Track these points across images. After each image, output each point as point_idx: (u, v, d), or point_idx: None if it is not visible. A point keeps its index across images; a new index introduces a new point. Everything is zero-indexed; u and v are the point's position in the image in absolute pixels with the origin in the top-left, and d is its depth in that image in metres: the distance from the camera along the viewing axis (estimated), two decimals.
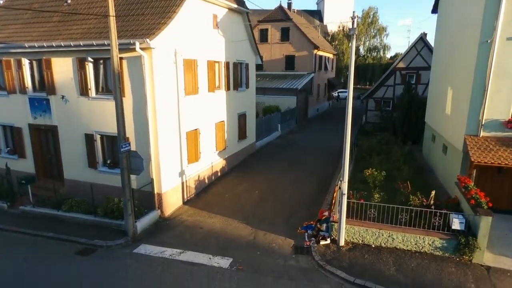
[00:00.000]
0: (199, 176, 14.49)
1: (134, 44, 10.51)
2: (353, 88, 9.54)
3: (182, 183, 13.35)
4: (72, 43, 11.51)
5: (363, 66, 57.12)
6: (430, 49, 24.87)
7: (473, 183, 10.45)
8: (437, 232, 9.48)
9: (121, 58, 10.81)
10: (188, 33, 12.92)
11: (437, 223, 9.44)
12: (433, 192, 10.23)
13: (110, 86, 12.14)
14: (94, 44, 11.15)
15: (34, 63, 13.30)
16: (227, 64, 16.13)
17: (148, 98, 11.31)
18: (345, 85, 60.94)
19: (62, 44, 11.70)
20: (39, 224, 11.66)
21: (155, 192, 12.07)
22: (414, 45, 26.21)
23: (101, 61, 12.17)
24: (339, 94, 50.52)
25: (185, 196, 13.60)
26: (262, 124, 22.13)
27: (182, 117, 12.91)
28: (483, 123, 11.10)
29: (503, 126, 10.99)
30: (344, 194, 9.69)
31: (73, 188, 13.41)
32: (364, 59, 58.47)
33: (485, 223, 8.92)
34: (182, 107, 12.81)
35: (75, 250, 10.15)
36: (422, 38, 25.71)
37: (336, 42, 57.50)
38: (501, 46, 10.42)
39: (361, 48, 59.32)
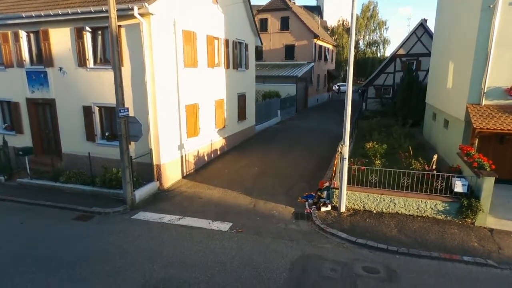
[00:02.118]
0: (198, 152, 14.36)
1: (132, 9, 10.35)
2: (352, 82, 9.45)
3: (182, 157, 13.22)
4: (69, 11, 11.34)
5: (363, 60, 56.97)
6: (430, 35, 24.73)
7: (475, 151, 10.36)
8: (439, 195, 9.36)
9: (119, 26, 10.64)
10: (187, 4, 12.79)
11: (439, 186, 9.32)
12: (436, 156, 10.13)
13: (108, 56, 12.01)
14: (92, 10, 11.00)
15: (32, 35, 13.15)
16: (227, 41, 16.01)
17: (147, 67, 11.18)
18: (344, 79, 61.06)
19: (60, 13, 11.55)
20: (36, 194, 11.52)
21: (154, 163, 11.93)
22: (414, 32, 26.07)
23: (99, 31, 12.04)
24: (340, 87, 50.63)
25: (185, 171, 13.47)
26: (261, 108, 22.02)
27: (181, 89, 12.78)
28: (485, 91, 10.99)
29: (505, 94, 10.88)
30: (345, 158, 9.57)
31: (71, 162, 13.27)
32: (363, 53, 58.36)
33: (488, 184, 8.81)
34: (181, 78, 12.68)
35: (73, 216, 10.01)
36: (422, 24, 25.58)
37: (336, 36, 57.44)
38: (504, 11, 10.29)
39: (360, 42, 59.22)
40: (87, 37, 12.00)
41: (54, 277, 6.92)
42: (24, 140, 14.13)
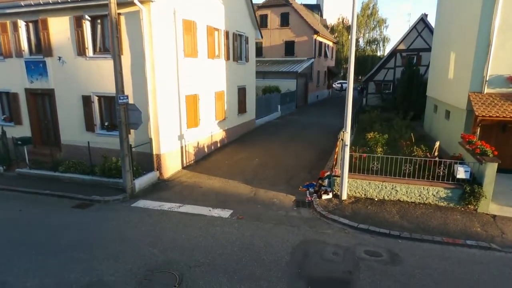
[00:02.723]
0: (198, 143, 14.27)
1: None
2: (353, 80, 9.39)
3: (182, 148, 13.14)
4: None
5: (363, 58, 56.89)
6: (431, 30, 24.68)
7: (477, 140, 10.29)
8: (441, 182, 9.28)
9: (119, 14, 10.55)
10: None
11: (441, 172, 9.25)
12: (438, 143, 10.06)
13: (108, 45, 11.92)
14: None
15: (30, 25, 13.05)
16: (227, 33, 15.93)
17: (147, 55, 11.09)
18: (344, 77, 60.99)
19: (59, 1, 11.45)
20: (35, 184, 11.43)
21: (154, 153, 11.85)
22: (414, 26, 26.01)
23: (99, 20, 11.95)
24: (342, 84, 51.02)
25: (185, 161, 13.38)
26: (262, 103, 21.93)
27: (182, 79, 12.69)
28: (487, 79, 10.92)
29: (507, 82, 10.81)
30: (347, 145, 9.49)
31: (70, 153, 13.17)
32: (363, 51, 58.28)
33: (491, 170, 8.74)
34: (181, 68, 12.60)
35: (72, 205, 9.93)
36: (423, 19, 25.52)
37: (336, 34, 57.40)
38: None
39: (360, 40, 59.08)
40: (87, 26, 11.91)
41: (53, 259, 6.83)
42: (23, 131, 14.00)
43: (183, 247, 7.32)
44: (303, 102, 32.18)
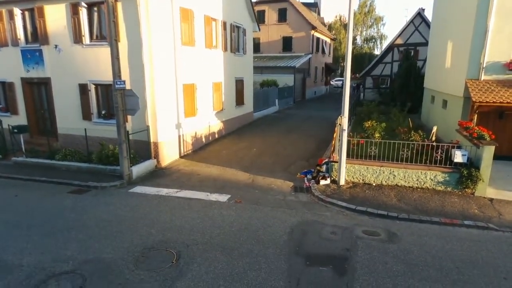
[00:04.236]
0: (196, 133, 14.23)
1: None
2: (350, 78, 9.42)
3: (179, 137, 13.09)
4: None
5: (360, 56, 56.99)
6: (428, 25, 24.77)
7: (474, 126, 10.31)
8: (439, 166, 9.30)
9: (115, 1, 10.54)
10: None
11: (439, 157, 9.27)
12: (435, 128, 10.08)
13: (105, 32, 11.86)
14: None
15: (26, 13, 12.95)
16: (224, 23, 15.88)
17: (144, 41, 11.04)
18: (342, 75, 61.05)
19: None
20: (32, 172, 11.34)
21: (152, 140, 11.80)
22: (411, 21, 26.12)
23: (95, 8, 11.89)
24: (343, 82, 51.23)
25: (182, 151, 13.33)
26: (259, 96, 21.92)
27: (179, 67, 12.64)
28: (484, 66, 10.96)
29: (504, 68, 10.85)
30: (344, 130, 9.49)
31: (67, 142, 13.10)
32: (361, 48, 58.40)
33: (488, 153, 8.77)
34: (178, 56, 12.54)
35: (68, 190, 9.86)
36: (419, 14, 25.62)
37: (334, 32, 57.43)
38: None
39: (358, 38, 59.20)
40: (83, 13, 11.84)
41: (49, 239, 6.78)
42: (19, 121, 13.87)
43: (181, 227, 7.28)
44: (301, 97, 32.20)
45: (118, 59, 9.80)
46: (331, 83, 48.34)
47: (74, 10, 11.81)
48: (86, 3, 11.73)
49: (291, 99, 28.72)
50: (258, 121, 20.53)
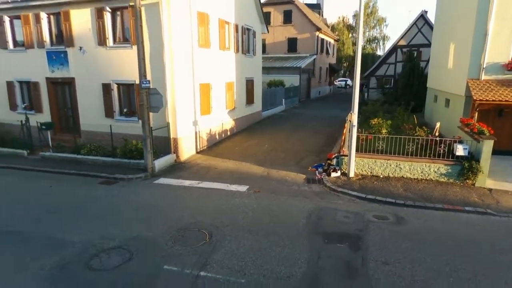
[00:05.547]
0: (210, 130, 15.00)
1: None
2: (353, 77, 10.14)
3: (196, 133, 13.86)
4: None
5: (363, 56, 57.53)
6: (430, 26, 25.45)
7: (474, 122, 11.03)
8: (442, 159, 10.04)
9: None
10: None
11: (442, 150, 10.00)
12: (438, 124, 10.79)
13: (127, 35, 12.66)
14: None
15: (52, 17, 13.76)
16: (236, 26, 16.67)
17: (166, 44, 11.81)
18: (345, 75, 61.83)
19: None
20: (59, 165, 12.12)
21: (171, 136, 12.57)
22: (415, 23, 26.80)
23: (118, 12, 12.68)
24: (346, 82, 52.74)
25: (198, 147, 14.11)
26: (267, 96, 22.68)
27: (196, 68, 13.42)
28: (484, 66, 11.69)
29: (503, 69, 11.58)
30: (354, 125, 10.23)
31: (89, 139, 13.85)
32: (364, 49, 59.07)
33: (487, 147, 9.50)
34: (195, 57, 13.33)
35: (97, 182, 10.63)
36: (422, 16, 26.30)
37: (337, 32, 58.16)
38: None
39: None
40: (107, 17, 12.63)
41: (91, 222, 7.57)
42: (43, 119, 14.62)
43: (208, 212, 8.05)
44: (306, 97, 32.95)
45: (144, 60, 10.58)
46: (335, 83, 49.08)
47: (99, 14, 12.61)
48: (110, 8, 12.53)
49: (297, 99, 29.48)
50: (266, 119, 21.31)
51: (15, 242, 6.73)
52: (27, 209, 8.49)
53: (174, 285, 5.32)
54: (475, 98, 11.08)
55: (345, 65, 61.41)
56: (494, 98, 10.97)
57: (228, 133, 16.77)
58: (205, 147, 14.59)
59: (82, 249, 6.37)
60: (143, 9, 11.64)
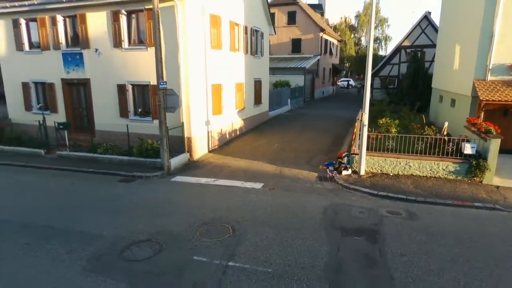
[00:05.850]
0: (221, 130, 15.36)
1: None
2: (356, 79, 10.46)
3: (208, 133, 14.22)
4: None
5: (365, 56, 57.87)
6: (434, 27, 25.85)
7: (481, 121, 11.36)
8: (450, 158, 10.38)
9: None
10: None
11: (450, 149, 10.34)
12: (446, 123, 11.12)
13: (142, 37, 13.02)
14: None
15: (68, 19, 14.13)
16: (246, 28, 17.03)
17: (181, 45, 12.15)
18: (347, 75, 62.14)
19: None
20: (77, 164, 12.48)
21: (185, 135, 12.93)
22: (418, 24, 27.17)
23: (133, 15, 13.05)
24: (348, 82, 53.21)
25: (210, 146, 14.46)
26: (273, 96, 23.03)
27: (208, 69, 13.78)
28: (490, 67, 12.02)
29: (509, 70, 11.91)
30: (365, 125, 10.57)
31: (104, 139, 14.21)
32: (365, 49, 59.36)
33: (494, 145, 9.83)
34: (208, 59, 13.68)
35: (116, 180, 10.99)
36: (426, 17, 26.67)
37: (339, 33, 58.47)
38: None
39: (363, 39, 60.32)
40: (123, 20, 13.00)
41: (117, 217, 7.92)
42: (58, 119, 15.02)
43: (227, 208, 8.41)
44: (310, 97, 33.30)
45: (162, 62, 10.94)
46: (338, 83, 49.44)
47: (114, 17, 12.98)
48: (126, 11, 12.90)
49: (301, 99, 29.83)
50: (273, 119, 21.66)
51: (48, 236, 7.07)
52: (53, 205, 8.85)
53: (205, 274, 5.66)
54: (481, 98, 11.41)
55: (347, 65, 61.80)
56: (500, 99, 11.31)
57: (238, 132, 17.12)
58: (217, 146, 14.94)
59: (112, 242, 6.72)
60: (159, 12, 12.06)
